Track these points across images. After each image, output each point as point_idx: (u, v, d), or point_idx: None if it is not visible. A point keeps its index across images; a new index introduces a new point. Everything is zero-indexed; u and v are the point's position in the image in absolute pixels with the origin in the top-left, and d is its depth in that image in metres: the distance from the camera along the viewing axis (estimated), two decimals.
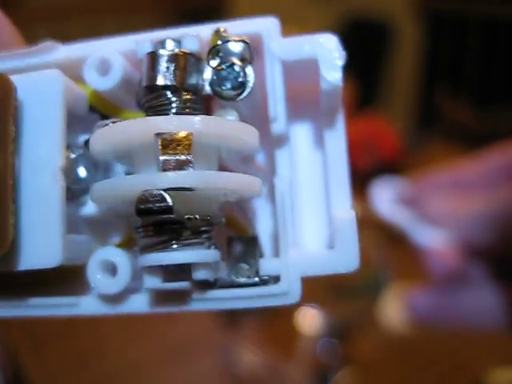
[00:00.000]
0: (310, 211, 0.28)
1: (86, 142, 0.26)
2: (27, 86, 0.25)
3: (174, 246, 0.23)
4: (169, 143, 0.22)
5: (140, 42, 0.26)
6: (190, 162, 0.22)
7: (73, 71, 0.27)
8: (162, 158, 0.22)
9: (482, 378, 0.74)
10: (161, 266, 0.24)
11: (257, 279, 0.25)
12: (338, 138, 0.27)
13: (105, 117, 0.27)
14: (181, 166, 0.22)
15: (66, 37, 0.31)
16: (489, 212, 0.52)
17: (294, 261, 0.25)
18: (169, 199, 0.22)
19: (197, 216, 0.24)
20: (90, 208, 0.27)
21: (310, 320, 0.90)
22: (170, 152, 0.22)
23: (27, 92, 0.25)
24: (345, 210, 0.25)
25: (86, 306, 0.26)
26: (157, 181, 0.22)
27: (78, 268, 0.27)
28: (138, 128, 0.23)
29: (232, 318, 0.91)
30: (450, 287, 0.57)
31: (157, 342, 0.85)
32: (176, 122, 0.22)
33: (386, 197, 0.49)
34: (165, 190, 0.22)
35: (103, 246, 0.27)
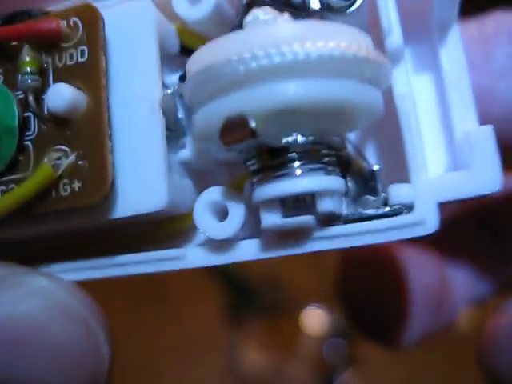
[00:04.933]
0: (429, 134, 0.25)
1: (181, 77, 0.24)
2: (117, 17, 0.23)
3: (297, 172, 0.21)
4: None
5: None
6: None
7: (160, 7, 0.25)
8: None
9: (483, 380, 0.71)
10: (279, 201, 0.21)
11: (387, 209, 0.22)
12: (455, 49, 0.24)
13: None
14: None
15: None
16: None
17: (427, 185, 0.22)
18: (250, 122, 0.19)
19: (315, 138, 0.21)
20: (188, 152, 0.24)
21: (315, 320, 0.88)
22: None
23: (118, 24, 0.23)
24: (476, 125, 0.22)
25: (194, 257, 0.23)
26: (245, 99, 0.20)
27: (180, 221, 0.25)
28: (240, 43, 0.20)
29: (237, 317, 0.90)
30: None
31: (162, 342, 0.83)
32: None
33: None
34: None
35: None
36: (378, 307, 0.36)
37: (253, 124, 0.19)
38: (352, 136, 0.26)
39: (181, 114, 0.24)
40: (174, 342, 0.83)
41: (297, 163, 0.21)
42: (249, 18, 0.21)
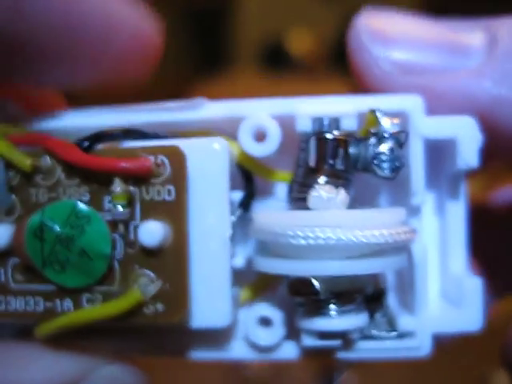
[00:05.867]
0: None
1: (242, 204, 0.28)
2: (195, 154, 0.26)
3: (333, 313, 0.27)
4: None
5: (298, 115, 0.27)
6: None
7: (221, 128, 0.28)
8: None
9: (486, 380, 0.75)
10: None
11: (394, 334, 0.28)
12: (459, 207, 0.30)
13: (248, 174, 0.29)
14: None
15: None
16: None
17: (428, 320, 0.28)
18: (316, 284, 0.25)
19: (353, 290, 0.27)
20: (240, 260, 0.29)
21: None
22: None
23: (195, 161, 0.26)
24: (472, 277, 0.29)
25: (238, 350, 0.29)
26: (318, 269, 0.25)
27: None
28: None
29: None
30: None
31: None
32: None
33: None
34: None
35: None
36: None
37: (318, 286, 0.25)
38: None
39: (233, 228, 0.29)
40: None
41: (333, 305, 0.27)
42: (314, 193, 0.26)
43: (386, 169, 0.27)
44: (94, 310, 0.26)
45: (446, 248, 0.30)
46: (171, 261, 0.26)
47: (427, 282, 0.28)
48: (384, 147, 0.27)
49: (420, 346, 0.28)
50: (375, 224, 0.25)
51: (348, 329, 0.27)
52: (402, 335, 0.28)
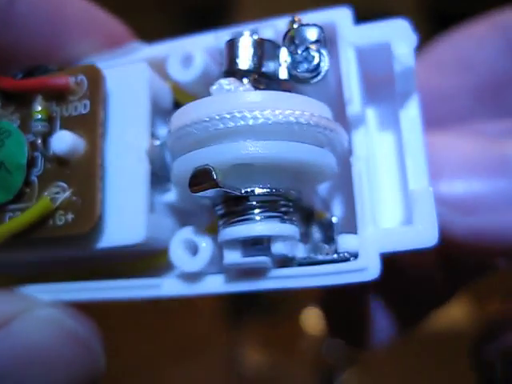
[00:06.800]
0: (386, 188, 0.28)
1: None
2: (117, 76, 0.27)
3: (256, 218, 0.24)
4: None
5: (219, 36, 0.27)
6: None
7: (158, 69, 0.29)
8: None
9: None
10: (240, 242, 0.25)
11: (335, 256, 0.25)
12: (413, 117, 0.27)
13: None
14: None
15: None
16: None
17: (372, 237, 0.24)
18: (213, 173, 0.23)
19: (273, 190, 0.24)
20: (172, 195, 0.28)
21: (315, 320, 0.87)
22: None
23: (117, 83, 0.27)
24: (422, 186, 0.25)
25: (168, 286, 0.27)
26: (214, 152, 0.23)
27: (157, 257, 0.28)
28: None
29: (237, 317, 0.90)
30: None
31: (163, 342, 0.84)
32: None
33: None
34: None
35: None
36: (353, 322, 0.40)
37: (215, 176, 0.23)
38: (322, 187, 0.29)
39: (168, 162, 0.28)
40: (174, 341, 0.84)
41: (257, 210, 0.24)
42: (215, 86, 0.25)
43: (302, 69, 0.25)
44: (10, 222, 0.26)
45: (403, 167, 0.27)
46: (83, 171, 0.25)
47: (368, 195, 0.25)
48: (300, 48, 0.26)
49: (367, 268, 0.24)
50: (284, 105, 0.23)
51: (270, 235, 0.24)
52: (344, 257, 0.25)
